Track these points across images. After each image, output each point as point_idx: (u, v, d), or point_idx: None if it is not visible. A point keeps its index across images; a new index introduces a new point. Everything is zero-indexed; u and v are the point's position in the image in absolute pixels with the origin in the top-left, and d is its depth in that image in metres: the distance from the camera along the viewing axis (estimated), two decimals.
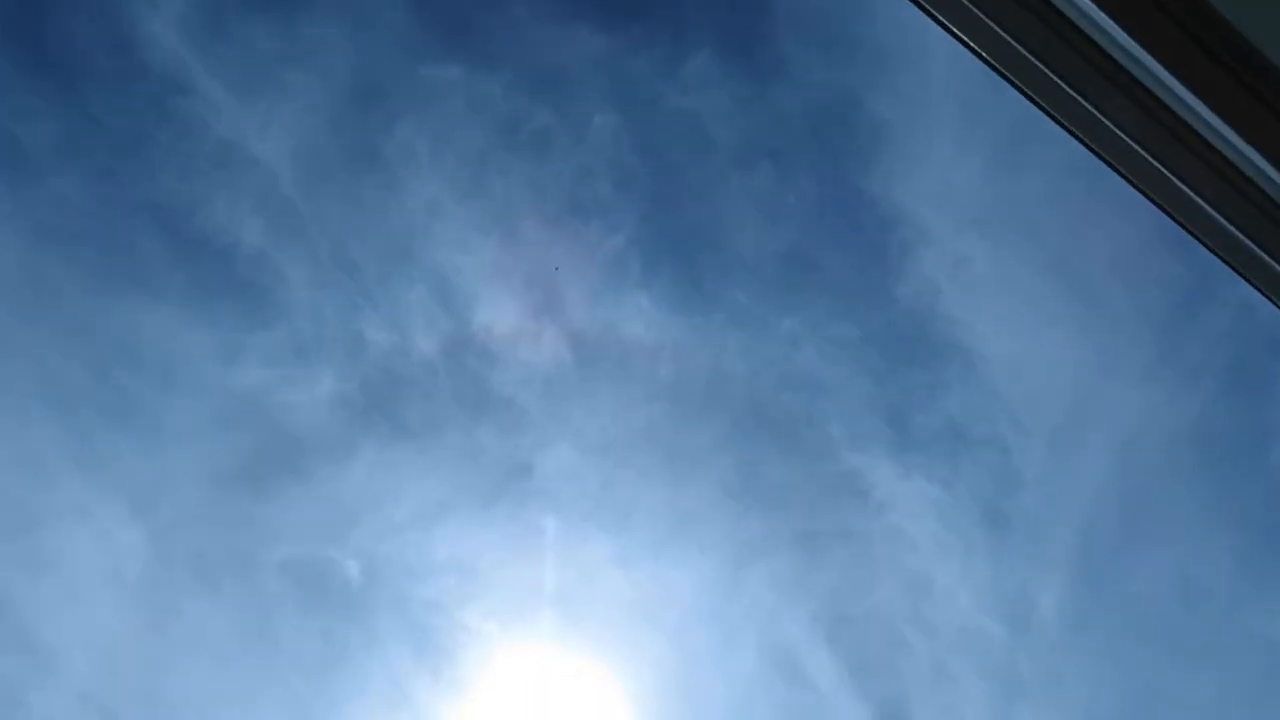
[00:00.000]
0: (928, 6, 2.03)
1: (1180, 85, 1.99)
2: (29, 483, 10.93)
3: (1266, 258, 2.36)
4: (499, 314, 11.66)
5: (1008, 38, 2.03)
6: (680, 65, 11.22)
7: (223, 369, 11.19)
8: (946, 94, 10.97)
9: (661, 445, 12.09)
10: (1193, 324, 11.40)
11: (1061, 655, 12.22)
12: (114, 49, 10.59)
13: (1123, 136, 2.09)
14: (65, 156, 10.73)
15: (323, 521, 11.71)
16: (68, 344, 10.95)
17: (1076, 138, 2.13)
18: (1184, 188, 2.17)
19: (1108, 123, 2.08)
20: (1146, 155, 2.08)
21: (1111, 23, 1.91)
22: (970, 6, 1.99)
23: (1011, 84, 2.15)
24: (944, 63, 10.32)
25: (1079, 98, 2.08)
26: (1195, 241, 2.59)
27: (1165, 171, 2.10)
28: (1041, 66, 2.06)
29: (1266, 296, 2.54)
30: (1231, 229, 2.33)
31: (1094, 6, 1.89)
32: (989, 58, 2.10)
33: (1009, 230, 11.68)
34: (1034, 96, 2.10)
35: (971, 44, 2.07)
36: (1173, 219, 2.30)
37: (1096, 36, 2.00)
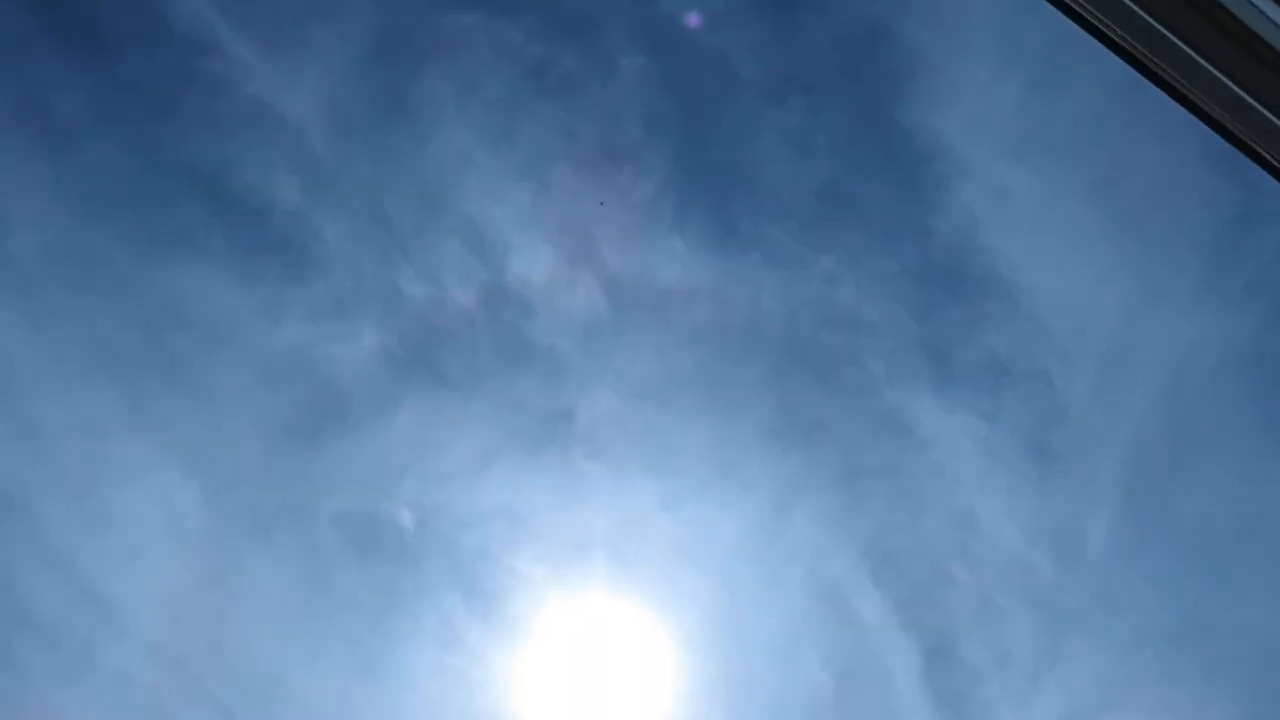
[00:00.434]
0: None
1: None
2: (88, 446, 11.24)
3: None
4: (534, 263, 11.67)
5: None
6: (706, 1, 11.00)
7: (267, 327, 11.37)
8: (981, 18, 10.66)
9: (702, 388, 12.11)
10: (1244, 245, 11.11)
11: (1111, 586, 12.19)
12: (139, 12, 10.61)
13: (1177, 43, 1.98)
14: (99, 123, 10.83)
15: (371, 473, 11.94)
16: (116, 309, 11.16)
17: (1119, 47, 2.03)
18: (1245, 95, 2.07)
19: (1158, 26, 1.98)
20: (1202, 61, 1.98)
21: None
22: None
23: None
24: None
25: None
26: (1246, 159, 2.50)
27: (1225, 79, 2.01)
28: None
29: None
30: None
31: None
32: None
33: (1049, 157, 11.41)
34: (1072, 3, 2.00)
35: None
36: (1227, 135, 2.21)
37: None
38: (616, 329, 11.83)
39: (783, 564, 12.43)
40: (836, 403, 12.17)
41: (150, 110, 10.86)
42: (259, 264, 11.34)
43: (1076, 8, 1.97)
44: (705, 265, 11.72)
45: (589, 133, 11.34)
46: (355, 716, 12.06)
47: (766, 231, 11.62)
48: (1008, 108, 11.12)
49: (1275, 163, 2.25)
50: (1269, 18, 1.89)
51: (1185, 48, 1.92)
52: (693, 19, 10.96)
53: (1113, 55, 2.28)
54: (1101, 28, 2.06)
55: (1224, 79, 2.00)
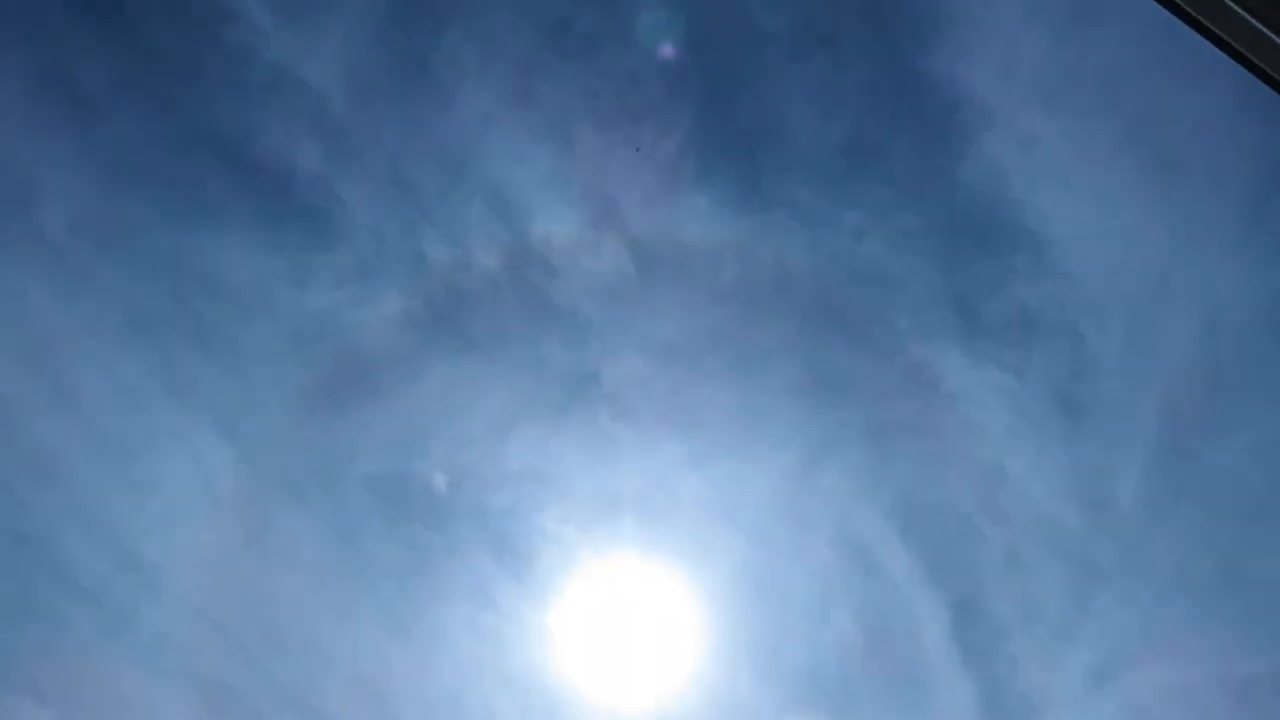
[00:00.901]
0: None
1: None
2: (124, 412, 11.44)
3: None
4: (556, 224, 11.64)
5: None
6: None
7: (294, 292, 11.45)
8: None
9: (729, 346, 12.09)
10: None
11: (1142, 539, 12.14)
12: None
13: None
14: (124, 93, 10.87)
15: (400, 435, 12.06)
16: (148, 277, 11.29)
17: None
18: None
19: None
20: (1239, 9, 1.93)
21: None
22: None
23: None
24: None
25: None
26: None
27: (1261, 26, 1.95)
28: None
29: None
30: None
31: None
32: None
33: (1079, 104, 11.17)
34: None
35: None
36: (1268, 79, 2.15)
37: None
38: (641, 289, 11.82)
39: (811, 521, 12.48)
40: (864, 358, 12.13)
41: (173, 79, 10.88)
42: (285, 230, 11.41)
43: None
44: (729, 223, 11.65)
45: (610, 91, 11.25)
46: (390, 674, 12.32)
47: (791, 188, 11.52)
48: (1036, 53, 10.89)
49: None
50: None
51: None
52: None
53: None
54: None
55: (1260, 26, 1.94)
